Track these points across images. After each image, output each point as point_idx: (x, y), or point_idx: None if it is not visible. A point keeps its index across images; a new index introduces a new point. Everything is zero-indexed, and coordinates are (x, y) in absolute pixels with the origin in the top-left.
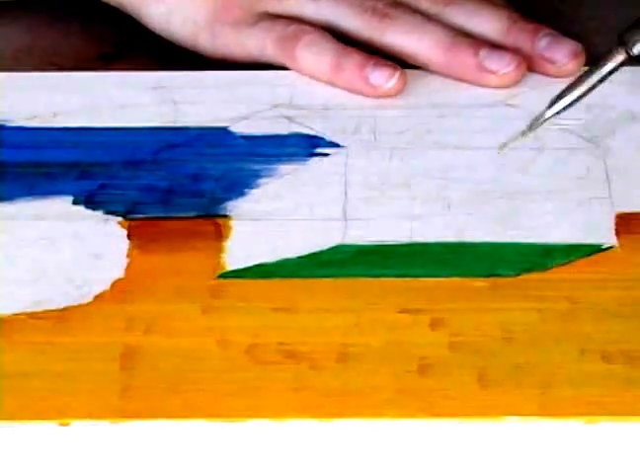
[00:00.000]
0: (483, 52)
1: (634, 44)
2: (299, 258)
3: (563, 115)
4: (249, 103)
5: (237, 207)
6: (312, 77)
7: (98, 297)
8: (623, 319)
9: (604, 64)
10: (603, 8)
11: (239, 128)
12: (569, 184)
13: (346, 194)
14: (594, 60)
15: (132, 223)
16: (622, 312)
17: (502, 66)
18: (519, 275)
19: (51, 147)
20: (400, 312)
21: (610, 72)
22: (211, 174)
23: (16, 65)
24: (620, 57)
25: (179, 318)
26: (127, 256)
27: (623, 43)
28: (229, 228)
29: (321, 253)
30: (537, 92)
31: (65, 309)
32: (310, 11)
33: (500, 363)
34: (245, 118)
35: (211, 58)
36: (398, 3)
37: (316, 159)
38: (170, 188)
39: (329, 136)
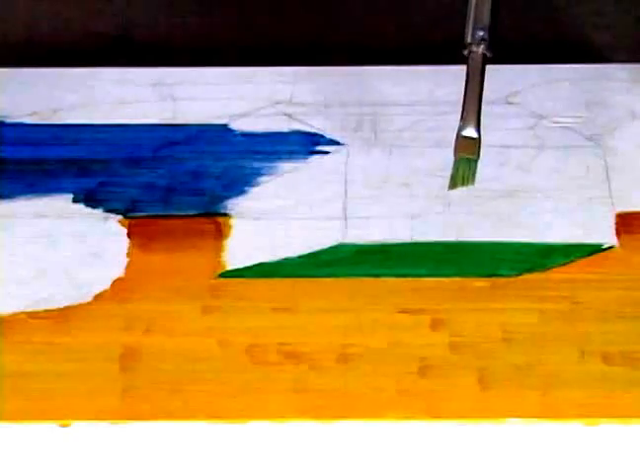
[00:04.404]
0: None
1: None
2: (299, 257)
3: (563, 113)
4: (249, 100)
5: (237, 206)
6: None
7: (98, 297)
8: (624, 320)
9: (472, 70)
10: (603, 4)
11: (239, 126)
12: (569, 183)
13: (346, 192)
14: (591, 57)
15: (132, 221)
16: (623, 313)
17: None
18: (519, 275)
19: (51, 144)
20: (400, 312)
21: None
22: (211, 172)
23: (16, 61)
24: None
25: (179, 318)
26: (127, 255)
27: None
28: (229, 227)
29: (321, 252)
30: (538, 90)
31: (65, 309)
32: None
33: (500, 365)
34: (245, 115)
35: None
36: None
37: (316, 157)
38: (170, 186)
39: (329, 134)
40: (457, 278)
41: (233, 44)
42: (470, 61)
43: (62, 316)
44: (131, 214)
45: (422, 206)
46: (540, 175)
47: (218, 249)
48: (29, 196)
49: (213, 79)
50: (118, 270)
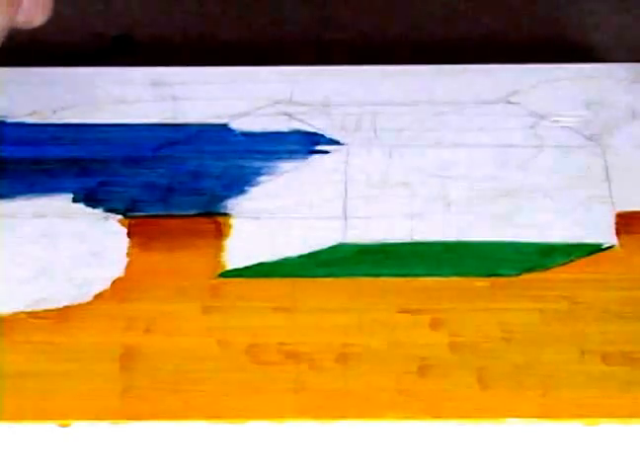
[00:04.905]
0: None
1: None
2: (299, 257)
3: (563, 112)
4: (249, 99)
5: (237, 205)
6: None
7: (98, 296)
8: (624, 320)
9: None
10: (603, 3)
11: (239, 125)
12: (569, 182)
13: (346, 192)
14: (591, 56)
15: (132, 221)
16: (623, 313)
17: None
18: (519, 274)
19: (51, 144)
20: (400, 312)
21: None
22: (211, 171)
23: (15, 61)
24: None
25: (179, 318)
26: (128, 254)
27: None
28: (229, 226)
29: (321, 252)
30: (538, 90)
31: (65, 308)
32: None
33: (500, 364)
34: (245, 114)
35: None
36: None
37: (316, 156)
38: (170, 185)
39: (329, 133)
40: (457, 278)
41: (233, 44)
42: None
43: (62, 316)
44: (131, 214)
45: (422, 206)
46: (540, 174)
47: (218, 249)
48: (28, 195)
49: (213, 79)
50: (118, 269)
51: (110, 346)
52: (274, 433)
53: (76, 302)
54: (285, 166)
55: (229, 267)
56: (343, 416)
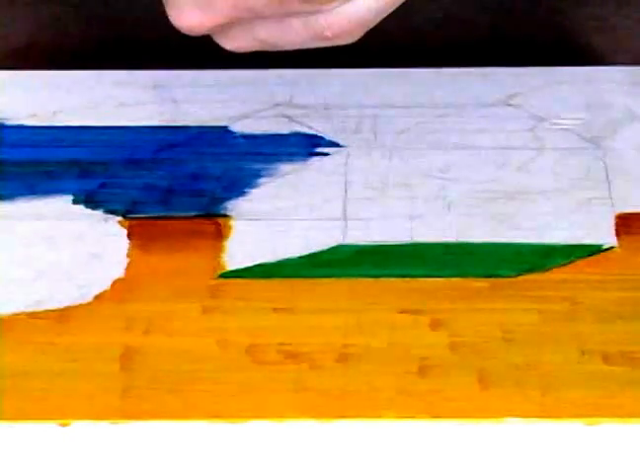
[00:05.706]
0: None
1: None
2: (299, 258)
3: (563, 114)
4: (249, 102)
5: (237, 207)
6: None
7: (98, 297)
8: (623, 320)
9: None
10: (604, 7)
11: (239, 127)
12: (569, 184)
13: (346, 193)
14: (592, 59)
15: (132, 222)
16: (622, 313)
17: None
18: (519, 275)
19: (51, 146)
20: (400, 312)
21: None
22: (211, 173)
23: (16, 63)
24: None
25: (179, 318)
26: (127, 255)
27: None
28: (229, 228)
29: (321, 253)
30: (538, 92)
31: (65, 309)
32: None
33: (500, 364)
34: (245, 116)
35: None
36: None
37: (316, 159)
38: (170, 187)
39: (329, 136)
40: (457, 279)
41: None
42: None
43: (62, 316)
44: (131, 215)
45: (422, 208)
46: (540, 176)
47: (218, 250)
48: (29, 197)
49: (214, 81)
50: (118, 270)
51: (110, 346)
52: (274, 432)
53: (76, 303)
54: (285, 168)
55: (229, 268)
56: (343, 416)
